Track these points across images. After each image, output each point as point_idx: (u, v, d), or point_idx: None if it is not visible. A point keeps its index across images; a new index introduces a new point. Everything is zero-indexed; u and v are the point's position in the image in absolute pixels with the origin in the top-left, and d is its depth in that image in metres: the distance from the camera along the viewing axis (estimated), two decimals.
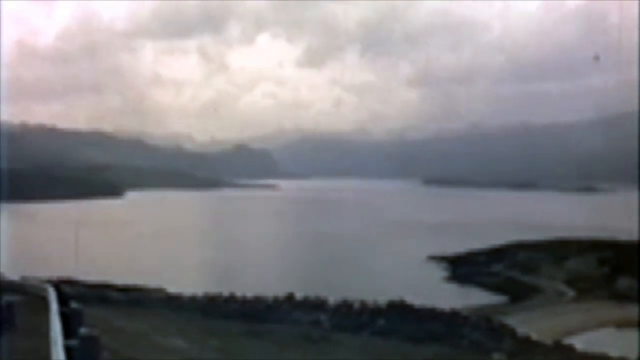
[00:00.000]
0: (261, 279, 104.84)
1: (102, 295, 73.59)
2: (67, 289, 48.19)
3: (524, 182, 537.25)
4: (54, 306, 26.82)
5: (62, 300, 30.95)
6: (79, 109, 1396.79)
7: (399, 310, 72.72)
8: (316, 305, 75.94)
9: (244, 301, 77.12)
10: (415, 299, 76.69)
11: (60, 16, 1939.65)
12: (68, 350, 16.97)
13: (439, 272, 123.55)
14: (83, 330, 17.08)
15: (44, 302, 33.56)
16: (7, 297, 22.75)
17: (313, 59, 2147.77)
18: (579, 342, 69.12)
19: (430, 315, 71.77)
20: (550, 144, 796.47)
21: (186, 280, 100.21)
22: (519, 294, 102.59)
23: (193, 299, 78.24)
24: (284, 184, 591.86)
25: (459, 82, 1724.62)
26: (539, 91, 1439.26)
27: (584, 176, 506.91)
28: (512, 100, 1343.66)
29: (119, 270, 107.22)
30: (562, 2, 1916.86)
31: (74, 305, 25.49)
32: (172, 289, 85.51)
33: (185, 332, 54.02)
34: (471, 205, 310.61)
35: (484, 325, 70.24)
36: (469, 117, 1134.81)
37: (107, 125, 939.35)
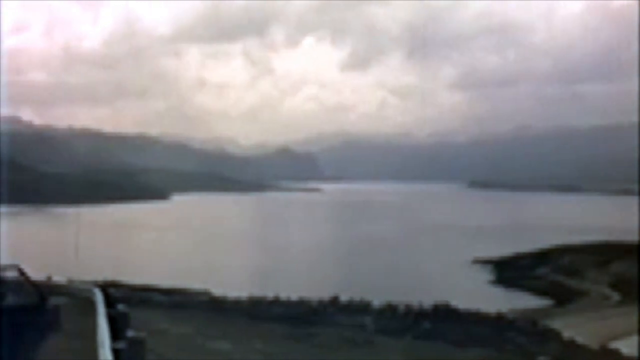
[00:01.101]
0: (305, 282, 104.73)
1: (147, 297, 74.10)
2: (113, 292, 48.62)
3: (568, 184, 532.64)
4: (100, 309, 27.10)
5: (109, 302, 31.26)
6: (124, 113, 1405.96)
7: (443, 314, 72.55)
8: (360, 308, 75.94)
9: (289, 304, 77.25)
10: (460, 303, 76.44)
11: (105, 21, 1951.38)
12: (115, 352, 17.19)
13: (484, 275, 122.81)
14: (130, 333, 17.31)
15: (90, 304, 33.88)
16: (54, 300, 23.06)
17: (357, 62, 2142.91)
18: (625, 347, 68.41)
19: (475, 318, 71.53)
20: (595, 146, 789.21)
21: (230, 282, 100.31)
22: (564, 297, 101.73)
23: (237, 302, 78.50)
24: (327, 187, 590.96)
25: (504, 85, 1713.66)
26: (584, 93, 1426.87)
27: (629, 179, 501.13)
28: (556, 103, 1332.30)
29: (163, 273, 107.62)
30: (606, 2, 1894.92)
31: (120, 308, 25.74)
32: (216, 291, 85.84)
33: (229, 334, 54.27)
34: (516, 209, 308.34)
35: (530, 328, 69.90)
36: (513, 119, 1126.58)
37: (152, 129, 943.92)
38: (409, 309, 74.40)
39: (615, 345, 69.30)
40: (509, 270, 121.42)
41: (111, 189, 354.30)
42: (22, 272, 21.40)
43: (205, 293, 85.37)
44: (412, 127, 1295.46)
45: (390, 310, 74.79)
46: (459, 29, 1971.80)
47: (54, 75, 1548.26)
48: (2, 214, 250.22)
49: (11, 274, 22.03)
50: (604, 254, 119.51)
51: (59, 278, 54.67)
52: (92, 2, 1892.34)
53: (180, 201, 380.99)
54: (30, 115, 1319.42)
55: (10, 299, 21.16)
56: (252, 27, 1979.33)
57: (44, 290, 22.35)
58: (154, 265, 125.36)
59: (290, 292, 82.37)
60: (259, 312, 71.90)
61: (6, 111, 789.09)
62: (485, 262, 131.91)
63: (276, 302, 78.55)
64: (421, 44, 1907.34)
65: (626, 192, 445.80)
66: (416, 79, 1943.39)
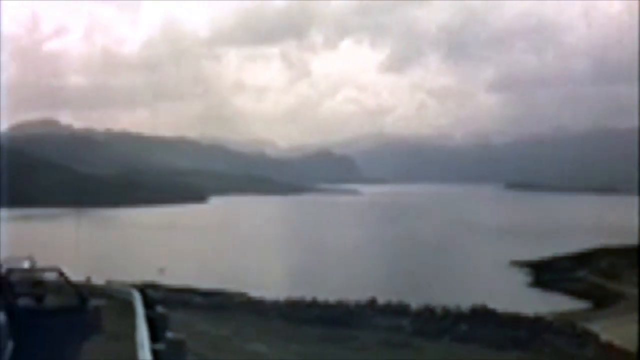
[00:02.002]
0: (343, 283, 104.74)
1: (185, 299, 74.57)
2: (151, 293, 49.01)
3: (607, 185, 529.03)
4: (140, 310, 27.38)
5: (147, 304, 31.56)
6: (163, 116, 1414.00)
7: (481, 316, 72.40)
8: (398, 310, 75.96)
9: (326, 306, 77.39)
10: (498, 305, 76.26)
11: (144, 25, 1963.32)
12: (155, 353, 17.42)
13: (522, 277, 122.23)
14: (169, 335, 17.51)
15: (129, 306, 34.22)
16: (94, 301, 23.37)
17: (395, 64, 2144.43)
18: None
19: (513, 321, 71.31)
20: (632, 147, 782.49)
21: (268, 284, 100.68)
22: (602, 300, 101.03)
23: (275, 304, 78.79)
24: (365, 189, 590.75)
25: (542, 85, 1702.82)
26: (622, 94, 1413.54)
27: None
28: (595, 103, 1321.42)
29: (202, 275, 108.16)
30: None
31: (159, 309, 25.99)
32: (254, 293, 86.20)
33: (267, 336, 54.54)
34: (554, 210, 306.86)
35: (568, 331, 69.58)
36: (551, 120, 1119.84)
37: (191, 132, 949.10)
38: (446, 311, 74.33)
39: None
40: (547, 273, 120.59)
41: (150, 191, 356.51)
42: (62, 274, 21.71)
43: (243, 295, 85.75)
44: (449, 128, 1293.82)
45: (427, 312, 74.77)
46: (497, 30, 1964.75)
47: (93, 78, 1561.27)
48: (42, 216, 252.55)
49: (51, 276, 22.36)
50: None
51: (97, 280, 55.30)
52: (132, 5, 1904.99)
53: (218, 203, 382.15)
54: (70, 119, 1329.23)
55: (51, 301, 21.49)
56: (291, 29, 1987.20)
57: (83, 292, 22.64)
58: (192, 267, 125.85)
59: (327, 294, 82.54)
60: (296, 314, 72.08)
61: (44, 114, 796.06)
62: (523, 264, 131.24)
63: (313, 304, 78.74)
64: (459, 45, 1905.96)
65: None
66: (454, 81, 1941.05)
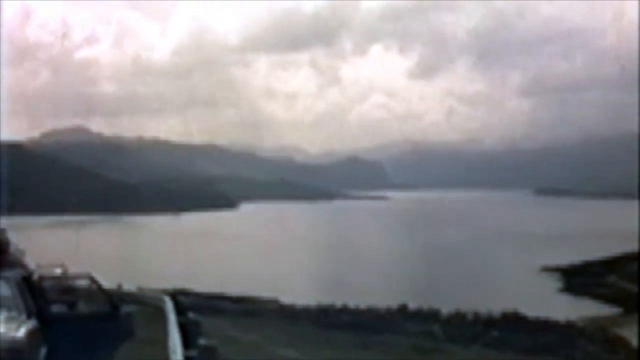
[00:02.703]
0: (374, 290, 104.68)
1: (216, 305, 74.66)
2: (183, 300, 49.15)
3: (637, 191, 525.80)
4: (171, 317, 27.50)
5: (179, 310, 31.65)
6: (193, 123, 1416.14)
7: (512, 322, 72.12)
8: (429, 316, 75.82)
9: (357, 312, 77.35)
10: (529, 310, 75.92)
11: (174, 32, 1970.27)
12: (187, 359, 17.47)
13: (553, 283, 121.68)
14: (202, 341, 17.56)
15: (160, 312, 34.31)
16: (126, 308, 23.40)
17: (424, 70, 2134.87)
18: None
19: (544, 326, 70.99)
20: None
21: (299, 291, 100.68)
22: (633, 305, 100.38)
23: (306, 310, 78.77)
24: (395, 195, 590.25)
25: (572, 91, 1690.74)
26: None
27: None
28: (624, 109, 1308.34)
29: (233, 281, 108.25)
30: None
31: (191, 316, 26.08)
32: (284, 299, 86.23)
33: (298, 343, 54.50)
34: (584, 216, 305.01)
35: (599, 336, 69.19)
36: (580, 126, 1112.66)
37: (221, 138, 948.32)
38: (477, 317, 74.09)
39: None
40: (578, 278, 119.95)
41: (180, 198, 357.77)
42: (93, 281, 21.77)
43: (274, 301, 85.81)
44: (479, 134, 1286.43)
45: (458, 318, 74.55)
46: (526, 35, 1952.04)
47: (123, 85, 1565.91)
48: (73, 223, 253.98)
49: (82, 283, 22.41)
50: None
51: (129, 286, 55.43)
52: (162, 13, 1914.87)
53: (248, 210, 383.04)
54: (100, 126, 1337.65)
55: (82, 307, 21.53)
56: (320, 36, 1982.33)
57: (115, 299, 22.68)
58: (223, 273, 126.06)
59: (358, 300, 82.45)
60: (327, 320, 72.04)
61: (75, 122, 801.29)
62: (554, 269, 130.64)
63: (344, 310, 78.69)
64: (488, 50, 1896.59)
65: None
66: (484, 86, 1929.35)
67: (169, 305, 35.22)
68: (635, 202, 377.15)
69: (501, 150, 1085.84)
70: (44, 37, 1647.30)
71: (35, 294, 18.21)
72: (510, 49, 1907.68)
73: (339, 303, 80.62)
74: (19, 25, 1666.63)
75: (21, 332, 15.88)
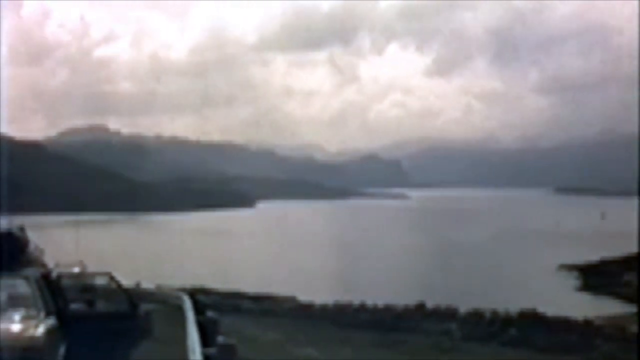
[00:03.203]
0: (391, 288, 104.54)
1: (234, 304, 74.78)
2: (201, 298, 49.19)
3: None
4: (190, 315, 27.51)
5: (198, 309, 31.65)
6: (211, 122, 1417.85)
7: (530, 320, 71.79)
8: (447, 314, 75.60)
9: (374, 310, 77.23)
10: (547, 309, 75.61)
11: (192, 31, 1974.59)
12: (206, 358, 17.46)
13: (571, 281, 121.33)
14: (220, 339, 17.53)
15: (179, 310, 34.35)
16: (145, 306, 23.46)
17: (442, 68, 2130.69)
18: None
19: (562, 325, 70.65)
20: None
21: (317, 289, 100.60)
22: None
23: (324, 308, 78.74)
24: (413, 193, 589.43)
25: (590, 88, 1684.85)
26: None
27: None
28: None
29: (251, 280, 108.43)
30: None
31: (210, 314, 26.06)
32: (303, 298, 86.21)
33: (317, 341, 54.51)
34: (603, 214, 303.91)
35: (617, 335, 68.82)
36: (600, 124, 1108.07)
37: (239, 137, 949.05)
38: (495, 316, 73.80)
39: None
40: (596, 277, 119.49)
41: (198, 197, 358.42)
42: (112, 279, 21.83)
43: (292, 300, 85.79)
44: (497, 132, 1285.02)
45: (476, 316, 74.28)
46: (544, 33, 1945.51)
47: (141, 84, 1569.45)
48: (91, 222, 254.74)
49: (101, 281, 22.48)
50: None
51: (147, 285, 55.52)
52: (179, 11, 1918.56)
53: (266, 208, 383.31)
54: (119, 125, 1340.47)
55: (101, 306, 21.59)
56: (337, 35, 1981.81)
57: (134, 297, 22.75)
58: (242, 271, 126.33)
59: (376, 298, 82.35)
60: (345, 318, 72.00)
61: (93, 121, 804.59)
62: (572, 268, 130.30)
63: (362, 308, 78.59)
64: (506, 48, 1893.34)
65: None
66: (501, 84, 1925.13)
67: (188, 304, 35.24)
68: None
69: (519, 148, 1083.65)
70: (62, 36, 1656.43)
71: (54, 292, 18.25)
72: (527, 47, 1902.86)
73: (356, 301, 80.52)
74: (37, 24, 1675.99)
75: (40, 331, 15.93)
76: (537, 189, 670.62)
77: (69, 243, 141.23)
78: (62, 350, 17.01)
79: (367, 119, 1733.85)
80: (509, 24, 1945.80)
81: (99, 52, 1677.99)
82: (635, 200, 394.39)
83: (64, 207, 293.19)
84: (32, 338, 15.69)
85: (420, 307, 78.89)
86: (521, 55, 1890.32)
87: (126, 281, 31.81)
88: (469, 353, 58.22)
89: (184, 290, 55.77)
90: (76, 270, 23.18)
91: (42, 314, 16.64)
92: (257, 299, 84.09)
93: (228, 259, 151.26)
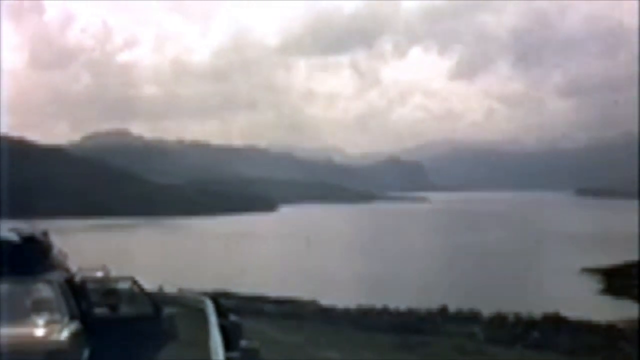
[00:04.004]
0: (414, 291, 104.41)
1: (257, 307, 74.86)
2: (223, 302, 49.23)
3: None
4: (212, 319, 27.53)
5: (220, 312, 31.69)
6: (233, 125, 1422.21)
7: (553, 323, 71.64)
8: (470, 317, 75.52)
9: (397, 313, 77.20)
10: (570, 312, 75.42)
11: (214, 34, 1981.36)
12: None
13: (593, 284, 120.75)
14: (244, 343, 17.57)
15: (201, 314, 34.38)
16: (168, 310, 23.53)
17: (464, 71, 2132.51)
18: None
19: (585, 328, 70.47)
20: None
21: (339, 292, 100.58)
22: None
23: (346, 312, 78.75)
24: (435, 196, 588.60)
25: (613, 90, 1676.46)
26: None
27: None
28: None
29: (273, 283, 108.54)
30: None
31: (233, 318, 26.11)
32: (325, 301, 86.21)
33: (339, 344, 54.49)
34: (624, 216, 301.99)
35: None
36: (622, 125, 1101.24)
37: (261, 140, 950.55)
38: (518, 319, 73.72)
39: None
40: (618, 279, 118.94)
41: (220, 200, 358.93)
42: (135, 283, 21.89)
43: (314, 303, 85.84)
44: (519, 134, 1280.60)
45: (499, 319, 74.20)
46: (567, 35, 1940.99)
47: (164, 88, 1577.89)
48: (114, 225, 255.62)
49: (124, 285, 22.54)
50: None
51: (169, 288, 55.66)
52: (201, 15, 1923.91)
53: (288, 211, 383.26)
54: (141, 129, 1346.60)
55: (125, 310, 21.65)
56: (360, 38, 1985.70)
57: (157, 301, 22.81)
58: (264, 275, 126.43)
59: (398, 301, 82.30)
60: (367, 322, 71.93)
61: (116, 125, 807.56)
62: (594, 270, 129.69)
63: (384, 312, 78.59)
64: (529, 50, 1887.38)
65: None
66: (523, 86, 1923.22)
67: (210, 308, 35.30)
68: None
69: (541, 150, 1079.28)
70: (85, 41, 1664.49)
71: (78, 296, 18.34)
72: (550, 49, 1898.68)
73: (379, 304, 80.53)
74: (60, 29, 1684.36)
75: (64, 335, 16.02)
76: (559, 191, 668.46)
77: (92, 247, 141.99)
78: (86, 354, 17.10)
79: (389, 122, 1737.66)
80: (531, 26, 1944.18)
81: (122, 57, 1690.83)
82: None
83: (87, 211, 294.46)
84: (56, 342, 15.79)
85: (443, 310, 78.86)
86: (543, 58, 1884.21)
87: (149, 285, 31.91)
88: (492, 356, 58.05)
89: (206, 293, 55.93)
90: (99, 274, 23.26)
91: (66, 318, 16.72)
92: (279, 302, 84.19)
93: (250, 262, 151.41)
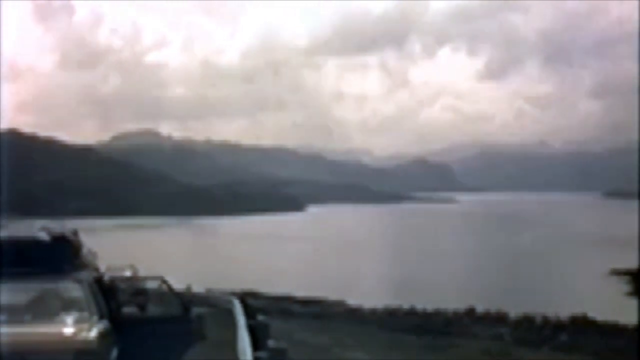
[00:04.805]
0: (441, 292, 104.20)
1: (284, 308, 74.91)
2: (251, 302, 49.34)
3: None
4: (240, 319, 27.63)
5: (248, 312, 31.79)
6: (262, 126, 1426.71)
7: (581, 325, 71.25)
8: (497, 319, 75.22)
9: (424, 314, 77.02)
10: (598, 314, 75.02)
11: (243, 35, 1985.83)
12: None
13: (622, 286, 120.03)
14: (271, 343, 17.61)
15: (229, 314, 34.51)
16: (196, 310, 23.63)
17: (493, 71, 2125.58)
18: None
19: (613, 330, 70.03)
20: None
21: (366, 293, 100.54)
22: None
23: (373, 312, 78.68)
24: (463, 197, 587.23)
25: None
26: None
27: None
28: None
29: (301, 284, 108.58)
30: None
31: (260, 318, 26.17)
32: (352, 302, 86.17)
33: (366, 345, 54.44)
34: None
35: None
36: None
37: (290, 141, 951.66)
38: (546, 321, 73.33)
39: None
40: None
41: (249, 201, 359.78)
42: (165, 282, 21.98)
43: (342, 303, 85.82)
44: (548, 136, 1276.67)
45: (527, 321, 73.83)
46: (597, 36, 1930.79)
47: (193, 89, 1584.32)
48: (143, 225, 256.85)
49: (152, 284, 22.64)
50: None
51: (197, 288, 55.87)
52: (230, 16, 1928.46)
53: (316, 212, 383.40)
54: (170, 129, 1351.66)
55: (153, 309, 21.75)
56: (389, 38, 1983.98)
57: (186, 301, 22.90)
58: (291, 275, 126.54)
59: (426, 302, 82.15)
60: (394, 322, 71.77)
61: (145, 125, 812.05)
62: (623, 273, 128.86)
63: (412, 312, 78.43)
64: (558, 51, 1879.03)
65: None
66: (553, 88, 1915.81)
67: (238, 307, 35.41)
68: None
69: (570, 152, 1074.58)
70: (114, 42, 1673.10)
71: (107, 296, 18.47)
72: (580, 50, 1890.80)
73: (406, 305, 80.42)
74: (90, 30, 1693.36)
75: (93, 333, 16.16)
76: (588, 193, 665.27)
77: (121, 246, 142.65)
78: (114, 353, 17.22)
79: (418, 123, 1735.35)
80: (561, 26, 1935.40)
81: (151, 57, 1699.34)
82: None
83: (116, 211, 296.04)
84: (85, 341, 15.93)
85: (471, 311, 78.61)
86: (573, 59, 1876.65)
87: (176, 285, 32.10)
88: (521, 358, 57.82)
89: (234, 293, 56.11)
90: (127, 273, 23.40)
91: (95, 317, 16.86)
92: (307, 302, 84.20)
93: (278, 262, 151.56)
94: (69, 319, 16.53)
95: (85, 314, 16.85)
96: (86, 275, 18.25)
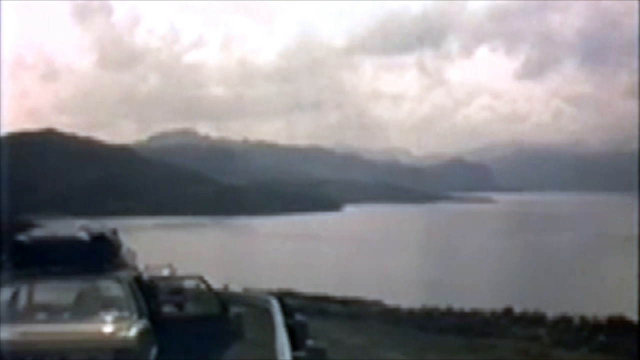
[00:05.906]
0: (478, 292, 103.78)
1: (321, 307, 74.88)
2: (289, 302, 49.40)
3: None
4: (278, 318, 27.68)
5: (285, 312, 31.82)
6: (299, 126, 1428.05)
7: (619, 326, 70.67)
8: (534, 319, 74.72)
9: (461, 315, 76.66)
10: (635, 315, 74.44)
11: (280, 35, 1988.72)
12: None
13: None
14: (310, 343, 17.63)
15: (267, 314, 34.58)
16: (234, 309, 23.67)
17: (531, 71, 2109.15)
18: None
19: None
20: None
21: (403, 293, 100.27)
22: None
23: (410, 312, 78.42)
24: (500, 197, 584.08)
25: None
26: None
27: None
28: None
29: (338, 283, 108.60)
30: None
31: (298, 317, 26.19)
32: (389, 302, 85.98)
33: (403, 346, 54.25)
34: None
35: None
36: None
37: (326, 141, 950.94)
38: (583, 322, 72.77)
39: None
40: None
41: (286, 201, 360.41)
42: (203, 281, 22.05)
43: (379, 303, 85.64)
44: (586, 136, 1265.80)
45: (564, 322, 73.23)
46: (635, 35, 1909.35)
47: (230, 89, 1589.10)
48: (181, 225, 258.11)
49: (190, 284, 22.71)
50: None
51: (235, 287, 55.98)
52: (267, 16, 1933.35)
53: (353, 212, 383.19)
54: (207, 129, 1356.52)
55: (191, 308, 21.83)
56: (426, 38, 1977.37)
57: (224, 300, 22.95)
58: (329, 275, 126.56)
59: (463, 302, 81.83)
60: (432, 323, 71.49)
61: (182, 125, 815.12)
62: None
63: (449, 313, 78.10)
64: (596, 50, 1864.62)
65: None
66: (590, 87, 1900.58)
67: (276, 307, 35.47)
68: None
69: (607, 152, 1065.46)
70: (152, 42, 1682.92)
71: (146, 295, 18.58)
72: (617, 49, 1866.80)
73: (443, 305, 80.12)
74: (128, 30, 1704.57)
75: (132, 332, 16.27)
76: (625, 193, 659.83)
77: (159, 246, 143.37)
78: (153, 352, 17.31)
79: (455, 123, 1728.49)
80: (599, 25, 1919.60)
81: (189, 57, 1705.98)
82: None
83: (154, 210, 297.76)
84: (125, 339, 16.04)
85: (508, 311, 78.15)
86: (611, 58, 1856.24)
87: (214, 284, 32.22)
88: (558, 359, 57.45)
89: (271, 293, 56.19)
90: (166, 272, 23.49)
91: (135, 316, 16.99)
92: (344, 302, 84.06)
93: (315, 262, 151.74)
94: (109, 317, 16.67)
95: (125, 313, 16.99)
96: (125, 274, 18.38)
